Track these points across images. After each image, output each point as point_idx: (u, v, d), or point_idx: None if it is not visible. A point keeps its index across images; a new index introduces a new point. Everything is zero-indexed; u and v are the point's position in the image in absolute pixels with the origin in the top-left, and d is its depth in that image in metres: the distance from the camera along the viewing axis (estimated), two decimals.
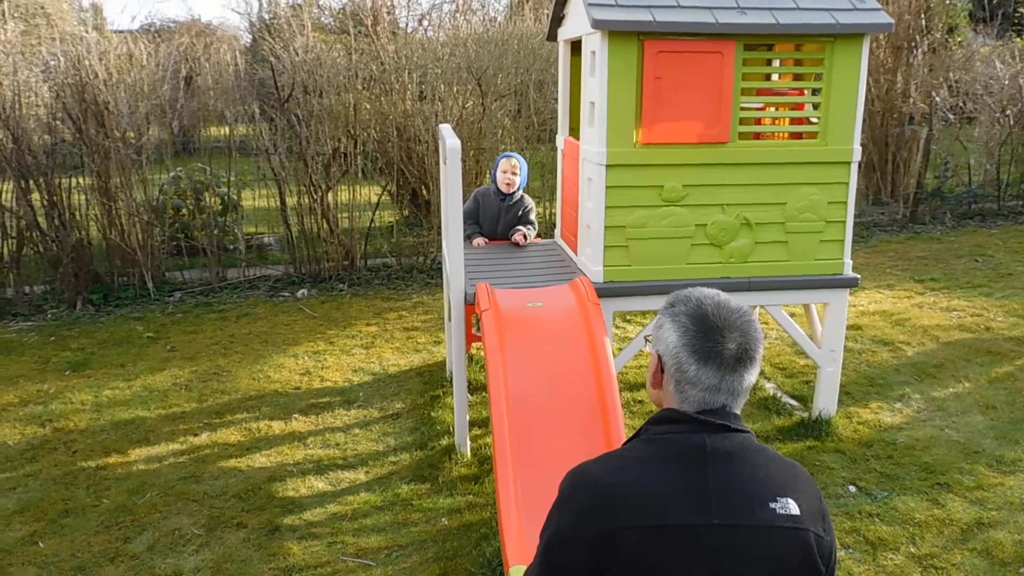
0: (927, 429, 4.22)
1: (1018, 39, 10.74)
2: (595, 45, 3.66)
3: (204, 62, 7.22)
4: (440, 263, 7.65)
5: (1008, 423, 4.26)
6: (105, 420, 4.50)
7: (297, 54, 7.14)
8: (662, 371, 1.42)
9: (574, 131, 4.64)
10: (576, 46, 4.55)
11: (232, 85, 6.90)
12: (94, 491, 3.74)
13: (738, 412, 1.41)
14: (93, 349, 5.70)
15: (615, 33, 3.54)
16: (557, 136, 4.80)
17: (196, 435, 4.30)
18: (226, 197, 7.72)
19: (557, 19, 4.50)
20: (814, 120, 3.97)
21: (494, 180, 4.93)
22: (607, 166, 3.70)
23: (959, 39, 10.25)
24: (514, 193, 4.89)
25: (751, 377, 1.39)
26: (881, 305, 6.21)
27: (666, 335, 1.41)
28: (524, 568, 2.72)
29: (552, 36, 4.67)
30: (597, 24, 3.47)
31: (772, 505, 1.32)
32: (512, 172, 4.86)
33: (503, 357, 3.30)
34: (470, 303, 3.77)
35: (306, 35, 7.24)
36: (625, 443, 1.49)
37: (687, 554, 1.28)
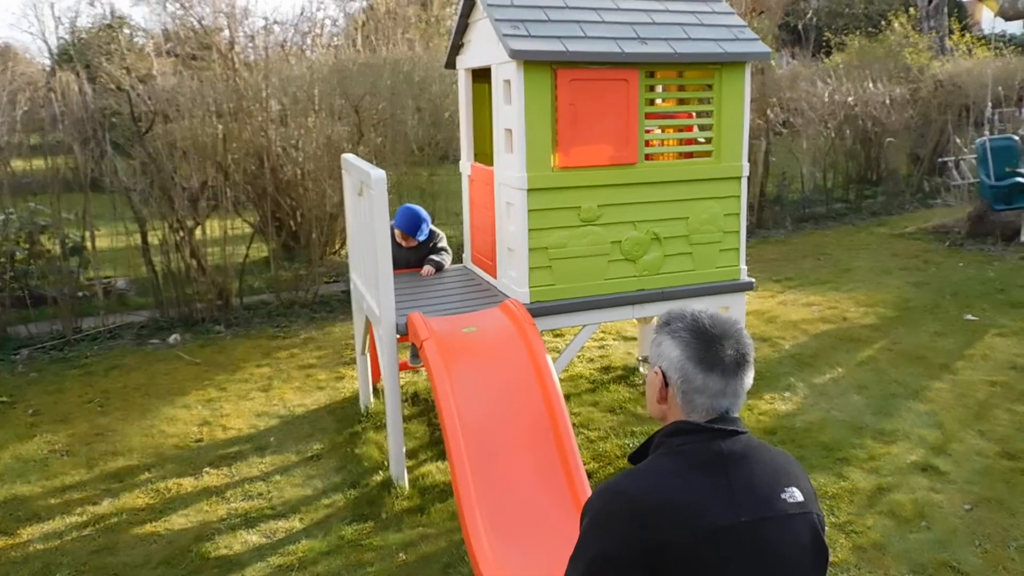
0: (816, 412, 4.67)
1: (827, 60, 12.18)
2: (510, 74, 3.77)
3: (46, 91, 6.56)
4: (321, 296, 7.42)
5: (880, 399, 4.82)
6: None
7: (155, 80, 6.69)
8: (667, 385, 1.52)
9: (480, 156, 4.72)
10: (477, 74, 4.64)
11: (82, 116, 6.32)
12: None
13: (738, 416, 1.54)
14: None
15: (530, 62, 3.67)
16: (461, 162, 4.86)
17: (96, 504, 3.89)
18: (66, 239, 7.01)
19: (456, 47, 4.57)
20: (701, 140, 4.32)
21: (392, 234, 4.84)
22: (528, 190, 3.81)
23: (772, 62, 11.48)
24: None
25: (749, 380, 1.54)
26: (751, 305, 6.78)
27: (668, 351, 1.52)
28: None
29: (451, 64, 4.73)
30: (515, 54, 3.58)
31: (783, 495, 1.46)
32: (406, 240, 4.86)
33: (451, 383, 3.29)
34: (402, 333, 3.72)
35: (162, 60, 6.80)
36: (635, 455, 1.58)
37: (725, 551, 1.38)
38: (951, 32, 14.34)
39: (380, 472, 4.08)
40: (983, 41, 14.98)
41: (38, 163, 7.53)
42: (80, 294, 7.04)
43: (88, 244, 6.96)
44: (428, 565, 3.29)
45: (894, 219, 10.30)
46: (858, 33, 15.17)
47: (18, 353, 6.27)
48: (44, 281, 6.77)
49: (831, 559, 3.23)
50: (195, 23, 8.45)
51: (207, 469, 4.22)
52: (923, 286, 7.17)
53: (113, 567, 3.36)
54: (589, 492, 3.04)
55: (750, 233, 9.59)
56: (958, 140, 10.70)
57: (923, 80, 11.73)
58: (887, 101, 10.47)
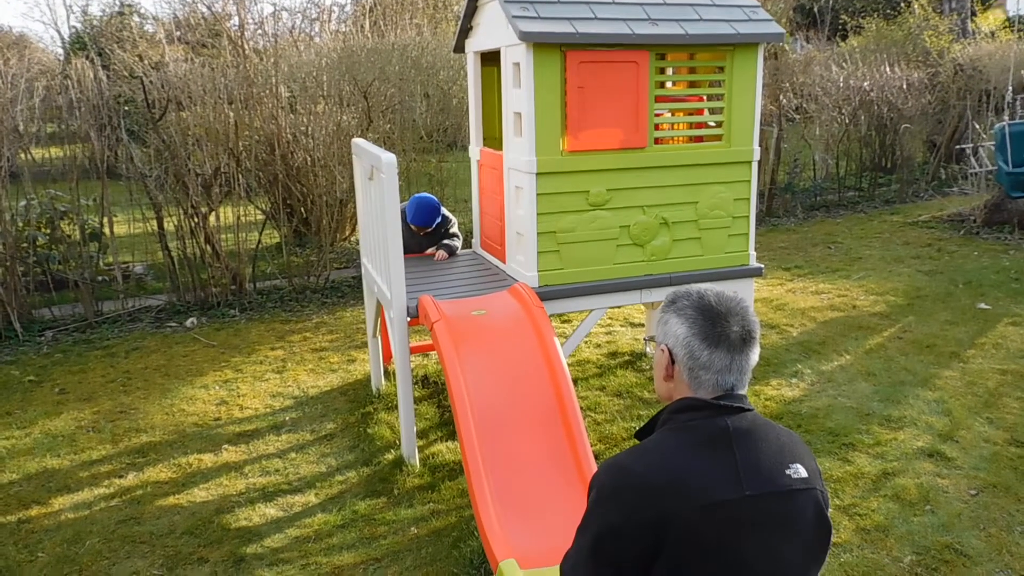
0: (823, 399, 4.70)
1: (842, 43, 12.06)
2: (519, 57, 3.80)
3: (62, 79, 6.64)
4: (333, 282, 7.51)
5: (888, 386, 4.84)
6: (11, 472, 4.11)
7: (167, 67, 6.77)
8: (673, 363, 1.54)
9: (489, 141, 4.76)
10: (486, 57, 4.68)
11: (97, 103, 6.40)
12: (24, 546, 3.42)
13: (744, 393, 1.56)
14: None
15: (539, 45, 3.70)
16: (471, 147, 4.90)
17: (122, 477, 4.02)
18: (85, 225, 7.14)
19: (465, 31, 4.60)
20: (712, 124, 4.34)
21: (405, 221, 4.88)
22: (537, 174, 3.86)
23: (786, 46, 11.39)
24: None
25: (755, 356, 1.55)
26: (760, 293, 6.79)
27: (674, 329, 1.54)
28: (514, 562, 2.80)
29: (459, 48, 4.76)
30: (524, 36, 3.61)
31: (788, 471, 1.49)
32: (422, 232, 4.92)
33: (461, 365, 3.36)
34: (413, 316, 3.79)
35: (174, 48, 6.87)
36: (642, 431, 1.63)
37: (729, 525, 1.42)
38: (974, 14, 14.07)
39: (392, 451, 4.17)
40: (1007, 24, 14.74)
41: (56, 151, 7.66)
42: (100, 278, 7.18)
43: (106, 230, 7.09)
44: (439, 539, 3.38)
45: (908, 207, 10.23)
46: (876, 16, 14.99)
47: (43, 335, 6.42)
48: (65, 266, 6.91)
49: (834, 540, 3.29)
50: (204, 10, 8.53)
51: (226, 446, 4.33)
52: (936, 275, 7.15)
53: (140, 535, 3.49)
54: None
55: (760, 221, 9.58)
56: (977, 126, 10.58)
57: (942, 64, 11.57)
58: (904, 86, 10.36)
